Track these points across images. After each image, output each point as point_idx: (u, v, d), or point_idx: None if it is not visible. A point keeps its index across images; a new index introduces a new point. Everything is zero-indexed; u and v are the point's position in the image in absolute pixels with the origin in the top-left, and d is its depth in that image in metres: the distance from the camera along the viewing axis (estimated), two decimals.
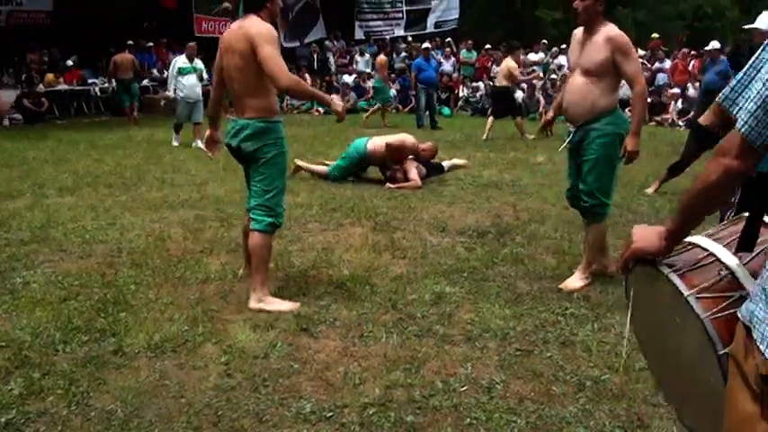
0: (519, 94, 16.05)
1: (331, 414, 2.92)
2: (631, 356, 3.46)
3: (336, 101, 4.40)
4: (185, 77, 11.37)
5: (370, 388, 3.14)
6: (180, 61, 11.62)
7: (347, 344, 3.62)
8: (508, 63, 12.91)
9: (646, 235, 1.78)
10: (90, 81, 17.69)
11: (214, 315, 3.99)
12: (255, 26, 3.88)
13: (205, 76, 11.94)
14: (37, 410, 2.94)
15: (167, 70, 18.51)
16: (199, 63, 11.80)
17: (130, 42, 18.57)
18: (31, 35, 17.15)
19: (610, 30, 4.19)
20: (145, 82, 18.34)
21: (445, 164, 8.78)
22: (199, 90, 11.55)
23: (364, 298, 4.26)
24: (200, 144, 10.38)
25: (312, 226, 6.04)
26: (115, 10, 17.22)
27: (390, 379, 3.22)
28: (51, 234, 5.68)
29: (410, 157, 8.04)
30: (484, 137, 12.50)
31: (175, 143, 11.60)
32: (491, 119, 12.81)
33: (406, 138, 8.18)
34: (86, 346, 3.56)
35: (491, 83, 14.36)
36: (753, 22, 5.57)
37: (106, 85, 17.41)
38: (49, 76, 16.40)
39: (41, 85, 15.98)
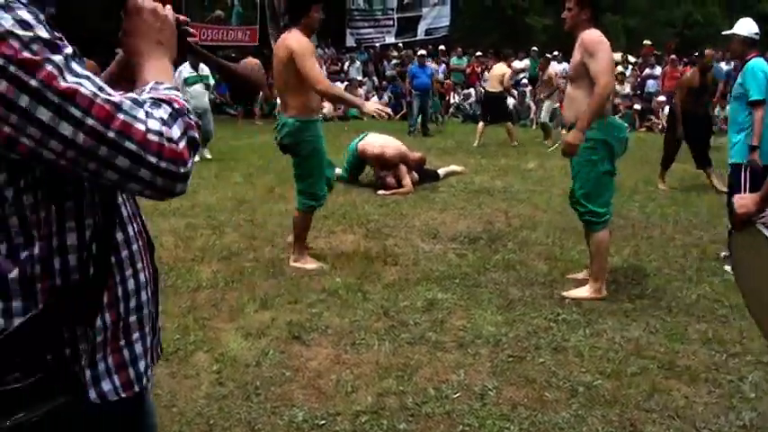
0: (510, 101, 16.14)
1: (323, 422, 2.92)
2: (623, 362, 3.47)
3: (368, 105, 5.08)
4: (192, 87, 10.40)
5: (362, 396, 3.14)
6: (185, 70, 10.45)
7: (339, 351, 3.62)
8: (502, 68, 13.00)
9: (745, 200, 2.37)
10: None
11: (206, 323, 3.98)
12: (295, 39, 4.58)
13: (212, 82, 11.10)
14: None
15: None
16: (205, 70, 10.69)
17: (118, 51, 18.60)
18: None
19: (584, 34, 4.13)
20: None
21: (441, 171, 8.79)
22: (206, 100, 10.80)
23: (356, 305, 4.26)
24: (206, 154, 10.15)
25: None
26: (103, 17, 17.21)
27: (383, 386, 3.22)
28: None
29: (400, 163, 8.05)
30: (475, 143, 12.52)
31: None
32: (481, 125, 12.85)
33: (385, 147, 8.13)
34: None
35: (482, 88, 14.42)
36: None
37: None
38: None
39: None
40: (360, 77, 20.72)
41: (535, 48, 19.82)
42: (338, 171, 8.39)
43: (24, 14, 0.97)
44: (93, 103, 0.99)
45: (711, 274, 4.92)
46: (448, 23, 25.52)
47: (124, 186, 1.07)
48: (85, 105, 0.99)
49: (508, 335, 3.82)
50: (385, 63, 22.35)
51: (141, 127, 1.03)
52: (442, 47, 21.50)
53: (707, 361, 3.53)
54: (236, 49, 19.20)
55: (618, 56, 18.96)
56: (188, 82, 10.38)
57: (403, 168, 8.02)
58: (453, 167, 9.08)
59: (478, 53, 20.58)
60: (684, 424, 2.93)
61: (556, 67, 16.95)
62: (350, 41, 24.00)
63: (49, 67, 0.97)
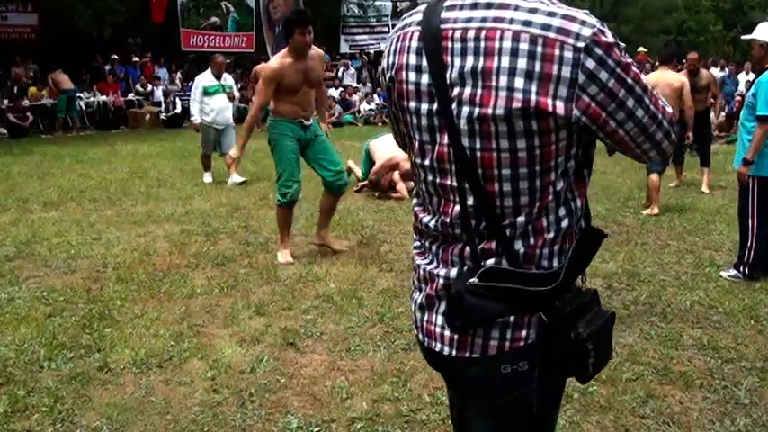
0: None
1: (318, 429, 2.91)
2: (618, 368, 3.47)
3: (232, 151, 5.69)
4: (213, 99, 9.18)
5: (357, 402, 3.13)
6: (205, 79, 9.29)
7: (334, 358, 3.61)
8: None
9: None
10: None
11: (200, 330, 3.97)
12: (270, 61, 5.58)
13: (237, 94, 10.11)
14: (22, 429, 2.91)
15: (151, 85, 18.63)
16: (228, 80, 9.64)
17: (115, 57, 18.61)
18: (16, 49, 17.11)
19: None
20: (130, 96, 18.34)
21: None
22: (229, 114, 9.41)
23: (351, 311, 4.25)
24: (236, 178, 8.84)
25: (299, 239, 6.03)
26: (100, 25, 17.21)
27: (378, 393, 3.21)
28: (36, 249, 5.64)
29: (391, 171, 8.07)
30: None
31: (207, 180, 9.17)
32: None
33: (384, 151, 8.16)
34: (71, 362, 3.53)
35: None
36: (748, 35, 5.44)
37: (92, 99, 17.41)
38: (32, 89, 16.37)
39: (26, 100, 15.95)
40: (354, 84, 20.75)
41: None
42: (358, 173, 8.49)
43: (607, 29, 1.30)
44: (646, 90, 1.32)
45: (706, 280, 4.93)
46: None
47: (647, 155, 1.41)
48: (643, 90, 1.31)
49: None
50: (379, 69, 22.37)
51: (669, 109, 1.38)
52: None
53: (702, 367, 3.53)
54: (233, 56, 19.20)
55: None
56: (208, 92, 9.21)
57: (396, 175, 8.04)
58: None
59: None
60: (679, 430, 2.93)
61: None
62: (344, 48, 24.05)
63: (633, 67, 1.29)
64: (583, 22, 1.25)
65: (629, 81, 1.28)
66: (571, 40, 1.24)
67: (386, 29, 24.73)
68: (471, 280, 1.33)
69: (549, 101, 1.25)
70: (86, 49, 18.13)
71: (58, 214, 7.06)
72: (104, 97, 17.59)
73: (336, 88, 20.57)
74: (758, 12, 29.70)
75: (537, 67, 1.24)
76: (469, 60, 1.29)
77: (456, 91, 1.31)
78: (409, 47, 1.39)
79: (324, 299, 4.48)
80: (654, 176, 7.08)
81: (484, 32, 1.27)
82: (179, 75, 19.99)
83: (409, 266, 5.19)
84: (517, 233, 1.35)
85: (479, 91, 1.28)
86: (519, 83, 1.25)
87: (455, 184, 1.37)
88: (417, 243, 1.53)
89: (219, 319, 4.14)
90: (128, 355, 3.59)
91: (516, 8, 1.27)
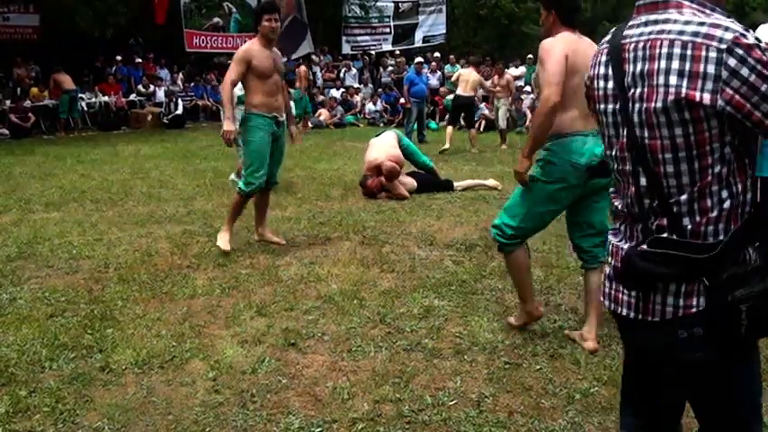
0: (483, 108, 16.62)
1: (319, 429, 2.91)
2: (620, 368, 3.47)
3: (227, 124, 5.40)
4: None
5: (358, 403, 3.13)
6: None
7: (336, 358, 3.61)
8: (473, 74, 13.37)
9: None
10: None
11: (201, 330, 3.97)
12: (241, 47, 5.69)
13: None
14: (23, 429, 2.91)
15: (153, 85, 18.65)
16: None
17: (119, 57, 18.64)
18: (18, 50, 17.13)
19: (542, 42, 3.61)
20: (132, 97, 18.36)
21: (463, 183, 8.67)
22: None
23: (353, 312, 4.25)
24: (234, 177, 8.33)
25: (300, 240, 6.04)
26: (102, 25, 17.22)
27: (379, 394, 3.21)
28: (38, 250, 5.65)
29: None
30: (473, 149, 12.60)
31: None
32: (473, 131, 13.19)
33: (372, 153, 8.21)
34: (73, 362, 3.54)
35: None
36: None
37: (93, 99, 17.42)
38: (34, 90, 16.39)
39: (28, 100, 15.96)
40: (356, 85, 20.75)
41: (531, 55, 19.89)
42: None
43: (749, 33, 1.53)
44: None
45: None
46: (445, 31, 25.61)
47: None
48: None
49: (505, 342, 3.81)
50: (381, 70, 22.39)
51: None
52: (437, 54, 21.53)
53: None
54: None
55: None
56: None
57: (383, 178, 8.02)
58: (481, 181, 8.82)
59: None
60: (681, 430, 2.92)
61: (514, 72, 17.38)
62: (346, 49, 24.07)
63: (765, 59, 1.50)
64: (726, 28, 1.53)
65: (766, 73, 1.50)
66: (715, 43, 1.52)
67: (387, 30, 24.77)
68: (641, 246, 1.65)
69: (697, 93, 1.53)
70: (88, 49, 18.14)
71: (60, 215, 7.07)
72: (106, 98, 17.60)
73: (338, 89, 20.58)
74: (759, 13, 29.65)
75: (687, 66, 1.55)
76: (639, 66, 1.64)
77: (631, 92, 1.66)
78: (600, 61, 1.78)
79: (325, 299, 4.48)
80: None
81: (649, 43, 1.62)
82: (181, 75, 20.01)
83: (410, 267, 5.19)
84: (683, 210, 1.62)
85: (645, 89, 1.62)
86: (673, 80, 1.56)
87: (631, 168, 1.70)
88: (613, 225, 1.86)
89: (221, 320, 4.14)
90: (129, 355, 3.59)
91: (675, 21, 1.60)
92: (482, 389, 3.27)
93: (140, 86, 18.66)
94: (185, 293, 4.60)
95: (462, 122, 13.45)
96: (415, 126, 14.15)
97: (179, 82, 19.69)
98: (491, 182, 8.71)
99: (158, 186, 8.83)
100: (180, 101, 18.00)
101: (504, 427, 2.94)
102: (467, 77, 13.17)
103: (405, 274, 5.03)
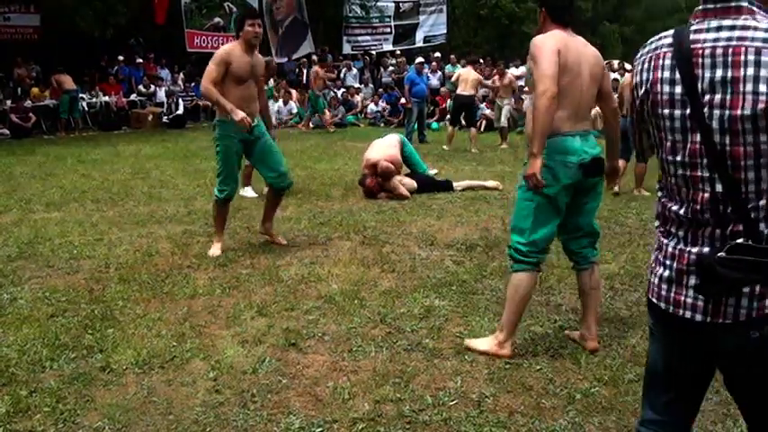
0: (484, 107, 16.66)
1: (320, 429, 2.91)
2: (620, 369, 3.47)
3: (238, 113, 5.17)
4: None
5: (359, 403, 3.13)
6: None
7: (336, 358, 3.61)
8: (472, 73, 13.46)
9: None
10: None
11: (202, 330, 3.97)
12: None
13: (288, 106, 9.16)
14: (24, 429, 2.91)
15: (154, 85, 18.64)
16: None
17: (121, 58, 18.65)
18: (18, 50, 17.13)
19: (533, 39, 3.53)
20: (133, 97, 18.36)
21: (462, 183, 8.68)
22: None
23: (353, 312, 4.25)
24: (248, 192, 8.13)
25: (301, 240, 6.04)
26: (102, 25, 17.22)
27: (380, 394, 3.21)
28: (38, 250, 5.65)
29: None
30: (474, 149, 12.61)
31: (251, 194, 8.18)
32: (473, 130, 13.29)
33: (370, 153, 8.26)
34: (74, 362, 3.54)
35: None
36: None
37: (94, 99, 17.43)
38: (35, 90, 16.39)
39: (29, 100, 15.97)
40: (356, 85, 20.74)
41: None
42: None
43: None
44: None
45: None
46: (445, 31, 25.60)
47: None
48: None
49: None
50: (382, 70, 22.38)
51: None
52: (437, 54, 21.52)
53: None
54: None
55: (615, 63, 19.09)
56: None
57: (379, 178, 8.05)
58: (481, 182, 8.81)
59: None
60: None
61: (515, 72, 17.44)
62: (346, 49, 24.06)
63: None
64: None
65: None
66: None
67: (388, 29, 24.75)
68: (720, 254, 1.63)
69: None
70: (88, 49, 18.15)
71: (61, 215, 7.07)
72: (107, 98, 17.61)
73: (339, 89, 20.57)
74: None
75: None
76: (719, 72, 1.62)
77: (707, 98, 1.64)
78: (663, 65, 1.74)
79: (326, 299, 4.48)
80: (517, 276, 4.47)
81: (731, 49, 1.61)
82: (181, 75, 20.00)
83: (411, 267, 5.19)
84: (761, 215, 1.64)
85: (728, 96, 1.61)
86: (762, 88, 1.57)
87: (706, 174, 1.68)
88: (662, 228, 1.84)
89: (221, 320, 4.14)
90: (130, 355, 3.59)
91: (755, 29, 1.60)
92: (482, 389, 3.27)
93: (141, 86, 18.65)
94: (186, 293, 4.60)
95: (463, 122, 13.49)
96: (416, 126, 14.15)
97: (179, 82, 19.68)
98: (491, 183, 8.71)
99: (159, 186, 8.83)
100: (180, 101, 18.00)
101: (505, 427, 2.94)
102: (466, 77, 13.22)
103: (405, 274, 5.03)
